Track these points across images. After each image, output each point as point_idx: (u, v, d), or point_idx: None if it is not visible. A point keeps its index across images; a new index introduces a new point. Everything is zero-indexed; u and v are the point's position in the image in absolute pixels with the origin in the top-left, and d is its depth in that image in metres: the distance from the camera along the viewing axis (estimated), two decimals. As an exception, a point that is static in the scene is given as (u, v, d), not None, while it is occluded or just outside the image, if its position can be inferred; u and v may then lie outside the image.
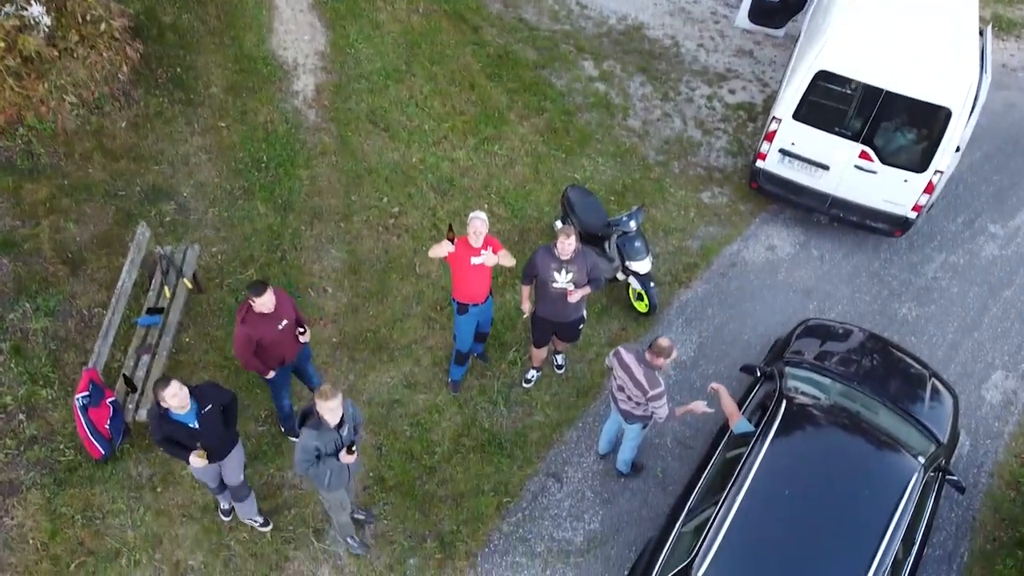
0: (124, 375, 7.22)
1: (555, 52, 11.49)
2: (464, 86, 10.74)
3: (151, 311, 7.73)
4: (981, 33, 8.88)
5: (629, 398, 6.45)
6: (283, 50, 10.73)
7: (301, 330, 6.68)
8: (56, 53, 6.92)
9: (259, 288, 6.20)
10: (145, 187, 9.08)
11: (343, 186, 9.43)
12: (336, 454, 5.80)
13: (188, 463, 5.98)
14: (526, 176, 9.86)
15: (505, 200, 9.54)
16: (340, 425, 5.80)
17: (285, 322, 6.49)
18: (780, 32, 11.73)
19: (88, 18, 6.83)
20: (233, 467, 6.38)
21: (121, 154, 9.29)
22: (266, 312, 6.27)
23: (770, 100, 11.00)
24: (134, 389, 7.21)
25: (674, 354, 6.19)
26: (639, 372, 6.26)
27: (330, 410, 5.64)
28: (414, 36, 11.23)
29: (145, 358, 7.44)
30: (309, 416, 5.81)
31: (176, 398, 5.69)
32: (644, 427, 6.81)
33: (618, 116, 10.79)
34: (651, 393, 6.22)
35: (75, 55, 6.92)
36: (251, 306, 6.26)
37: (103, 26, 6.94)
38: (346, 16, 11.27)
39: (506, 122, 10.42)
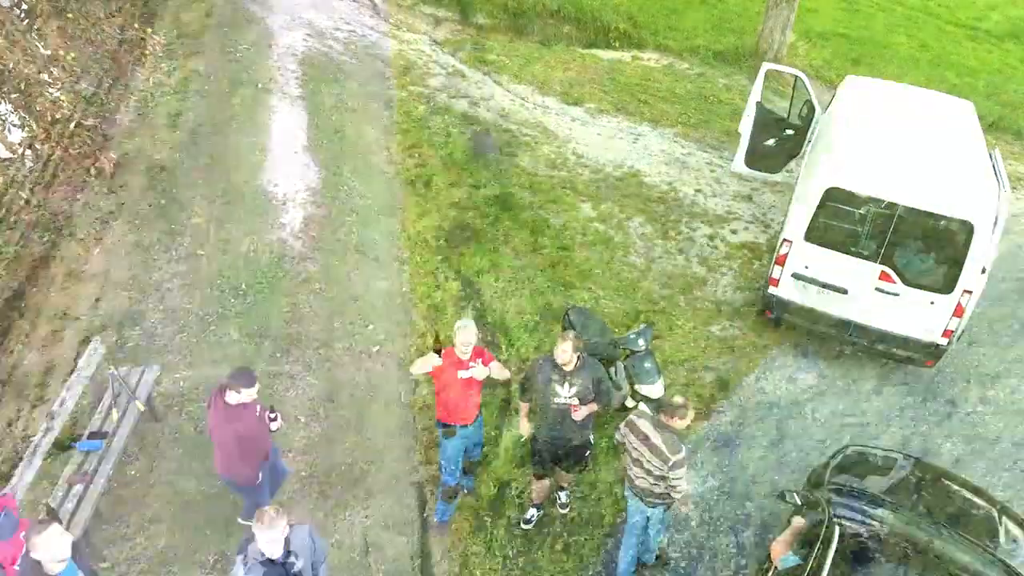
0: (47, 505, 6.07)
1: (552, 195, 11.26)
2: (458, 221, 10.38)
3: (93, 435, 6.71)
4: (990, 155, 8.64)
5: (649, 472, 5.65)
6: (273, 186, 10.46)
7: (272, 415, 5.77)
8: (20, 151, 6.49)
9: (248, 378, 5.37)
10: (109, 311, 8.36)
11: (326, 313, 8.73)
12: None
13: None
14: (523, 307, 9.22)
15: (500, 330, 8.81)
16: (287, 556, 4.68)
17: (259, 407, 5.66)
18: (778, 177, 11.60)
19: (58, 116, 6.47)
20: None
21: (88, 279, 8.68)
22: (248, 401, 5.42)
23: (774, 240, 10.62)
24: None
25: (691, 413, 5.57)
26: (657, 439, 5.56)
27: (267, 541, 4.56)
28: (409, 176, 11.06)
29: (78, 488, 6.32)
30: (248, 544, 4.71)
31: (49, 549, 4.39)
32: (666, 509, 5.94)
33: (618, 253, 10.35)
34: (673, 460, 5.46)
35: (39, 153, 6.49)
36: (226, 400, 5.40)
37: (72, 126, 6.56)
38: (340, 157, 11.14)
39: (502, 256, 9.94)
